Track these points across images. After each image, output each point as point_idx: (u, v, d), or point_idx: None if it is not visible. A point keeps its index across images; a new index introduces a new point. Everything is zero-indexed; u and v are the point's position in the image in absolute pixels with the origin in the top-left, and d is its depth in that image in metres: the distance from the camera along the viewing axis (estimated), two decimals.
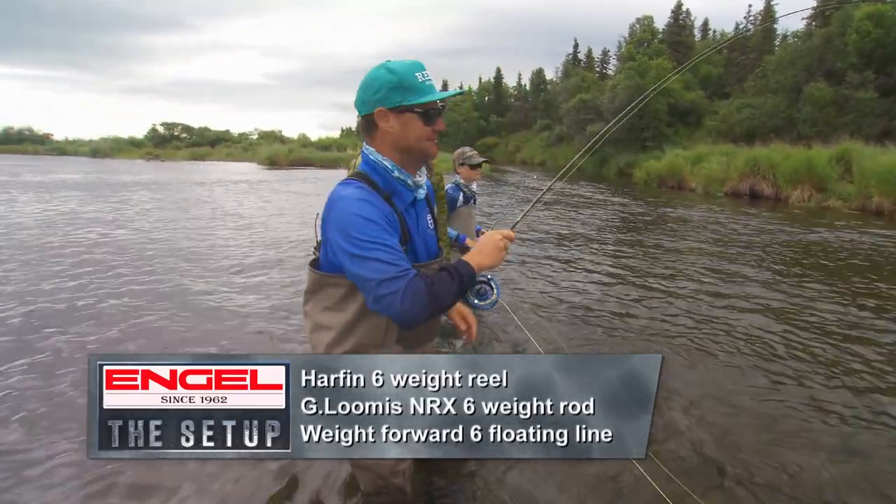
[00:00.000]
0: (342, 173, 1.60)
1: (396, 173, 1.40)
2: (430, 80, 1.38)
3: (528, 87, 69.40)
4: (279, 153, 38.56)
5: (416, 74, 1.35)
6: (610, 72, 51.56)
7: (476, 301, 1.46)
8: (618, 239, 8.59)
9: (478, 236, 3.79)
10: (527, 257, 6.77)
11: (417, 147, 1.39)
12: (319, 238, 1.46)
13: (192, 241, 7.51)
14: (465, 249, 3.78)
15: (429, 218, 1.55)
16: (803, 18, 33.29)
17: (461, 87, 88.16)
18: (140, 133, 71.27)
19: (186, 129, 68.18)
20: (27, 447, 2.34)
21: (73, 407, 2.67)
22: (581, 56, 59.37)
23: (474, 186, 3.95)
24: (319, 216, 1.51)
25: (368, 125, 1.40)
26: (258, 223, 9.61)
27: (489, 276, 1.46)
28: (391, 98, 1.33)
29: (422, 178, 1.49)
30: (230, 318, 4.16)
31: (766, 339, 3.92)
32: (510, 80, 77.56)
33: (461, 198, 3.82)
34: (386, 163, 1.39)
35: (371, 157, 1.41)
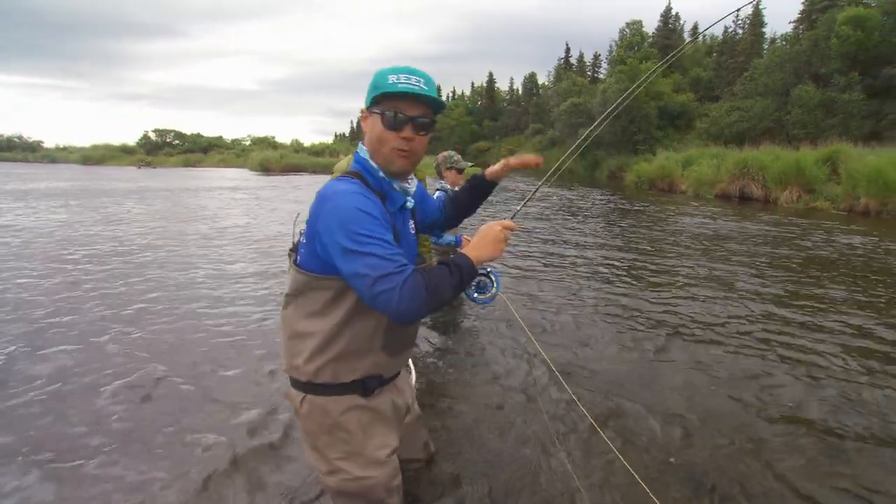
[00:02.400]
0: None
1: (382, 174, 1.37)
2: (404, 82, 1.28)
3: (520, 92, 69.80)
4: (271, 159, 38.52)
5: (390, 76, 1.29)
6: (601, 76, 51.92)
7: (476, 294, 1.44)
8: (609, 241, 8.60)
9: (458, 244, 3.77)
10: (522, 258, 6.76)
11: (381, 150, 1.33)
12: (301, 237, 1.39)
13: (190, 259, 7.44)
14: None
15: (412, 225, 1.52)
16: (790, 22, 33.76)
17: (454, 92, 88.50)
18: (132, 140, 71.01)
19: (179, 135, 67.87)
20: None
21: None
22: (573, 60, 59.80)
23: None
24: (300, 214, 1.48)
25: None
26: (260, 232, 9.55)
27: (489, 269, 1.44)
28: (368, 98, 1.35)
29: (411, 185, 1.44)
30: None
31: (755, 338, 3.94)
32: (503, 85, 78.41)
33: None
34: (373, 164, 1.37)
35: (361, 155, 1.39)
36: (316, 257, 1.30)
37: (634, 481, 1.95)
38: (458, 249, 3.73)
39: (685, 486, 2.19)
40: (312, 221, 1.28)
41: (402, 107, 1.29)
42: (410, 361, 2.59)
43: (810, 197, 14.24)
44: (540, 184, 1.83)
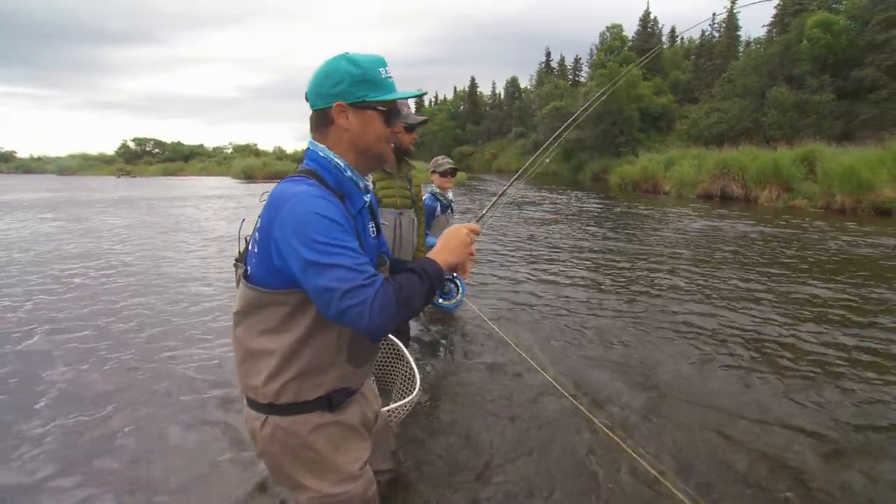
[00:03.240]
0: None
1: (349, 173, 1.26)
2: (391, 77, 1.25)
3: (502, 96, 70.25)
4: (254, 167, 38.10)
5: (380, 69, 1.22)
6: (582, 79, 52.57)
7: (441, 301, 1.39)
8: (593, 243, 8.70)
9: None
10: (504, 261, 6.81)
11: (375, 149, 1.27)
12: (250, 247, 1.24)
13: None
14: None
15: (371, 226, 1.39)
16: (764, 26, 34.69)
17: (436, 97, 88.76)
18: (110, 149, 69.54)
19: (158, 144, 66.82)
20: None
21: None
22: (554, 64, 60.50)
23: (450, 195, 3.97)
24: (245, 220, 1.37)
25: (322, 120, 1.24)
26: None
27: (454, 275, 1.38)
28: (353, 92, 1.20)
29: (368, 182, 1.36)
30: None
31: (743, 337, 4.03)
32: (485, 89, 78.58)
33: (438, 207, 3.83)
34: (339, 161, 1.25)
35: (321, 153, 1.25)
36: (271, 269, 1.17)
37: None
38: None
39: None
40: (266, 228, 1.15)
41: (397, 99, 1.26)
42: (416, 371, 2.59)
43: (789, 195, 14.60)
44: (506, 187, 1.79)
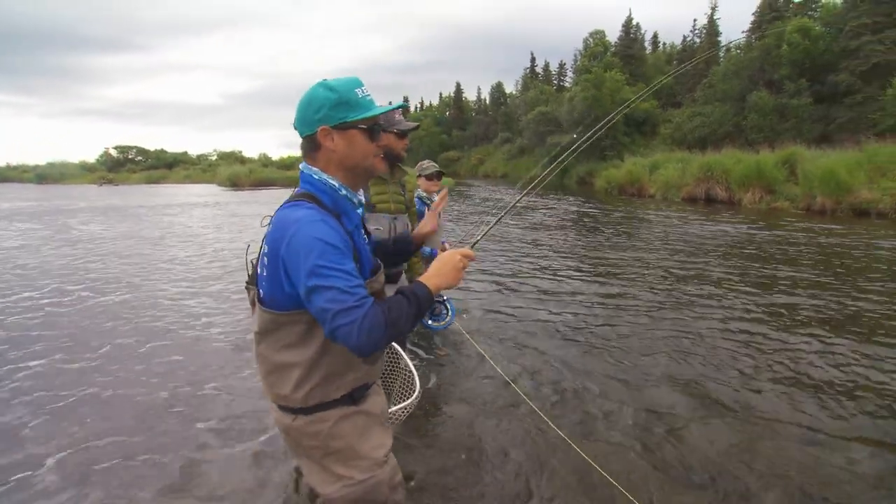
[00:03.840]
0: None
1: (344, 192, 1.35)
2: (369, 95, 1.34)
3: (488, 101, 70.66)
4: (240, 174, 37.79)
5: (356, 90, 1.31)
6: (567, 84, 53.12)
7: (430, 322, 1.43)
8: (581, 248, 8.78)
9: (434, 255, 3.79)
10: (494, 267, 6.84)
11: (363, 164, 1.35)
12: (259, 270, 1.33)
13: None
14: None
15: (364, 234, 1.49)
16: (743, 32, 35.46)
17: (422, 103, 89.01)
18: (91, 157, 68.36)
19: (142, 151, 65.86)
20: None
21: None
22: (538, 69, 61.01)
23: (436, 197, 3.97)
24: (251, 245, 1.44)
25: (311, 145, 1.33)
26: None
27: (444, 297, 1.44)
28: (333, 115, 1.28)
29: (361, 196, 1.44)
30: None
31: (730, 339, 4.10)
32: (470, 95, 78.86)
33: (426, 210, 3.83)
34: (333, 182, 1.33)
35: (315, 176, 1.33)
36: (282, 292, 1.26)
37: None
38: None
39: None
40: (273, 253, 1.24)
41: (374, 116, 1.34)
42: (416, 374, 2.59)
43: (771, 197, 14.90)
44: (504, 213, 1.88)
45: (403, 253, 1.77)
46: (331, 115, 1.28)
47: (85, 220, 14.48)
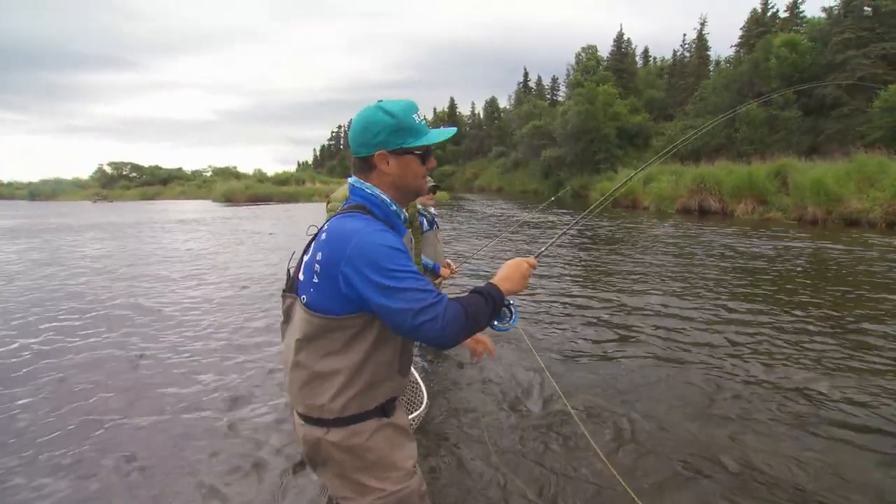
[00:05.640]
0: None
1: (394, 207, 1.41)
2: (423, 120, 1.39)
3: (481, 116, 71.36)
4: (235, 190, 37.75)
5: (413, 116, 1.35)
6: (560, 98, 53.82)
7: (496, 323, 1.50)
8: (581, 259, 8.86)
9: (436, 270, 3.79)
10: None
11: (413, 185, 1.41)
12: (303, 277, 1.35)
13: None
14: (437, 276, 3.79)
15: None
16: (732, 46, 36.21)
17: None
18: (85, 174, 68.08)
19: (136, 167, 65.66)
20: None
21: None
22: (532, 84, 61.84)
23: (432, 210, 4.04)
24: (295, 252, 1.47)
25: (365, 165, 1.37)
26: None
27: (510, 301, 1.51)
28: (392, 141, 1.32)
29: (405, 213, 1.52)
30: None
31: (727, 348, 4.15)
32: (464, 110, 79.71)
33: (425, 222, 3.88)
34: (385, 197, 1.38)
35: (368, 190, 1.38)
36: (337, 298, 1.27)
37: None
38: (433, 276, 3.72)
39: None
40: (332, 262, 1.25)
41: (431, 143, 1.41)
42: (423, 386, 2.63)
43: (764, 208, 15.09)
44: (569, 227, 1.94)
45: None
46: (390, 140, 1.32)
47: (93, 238, 14.41)
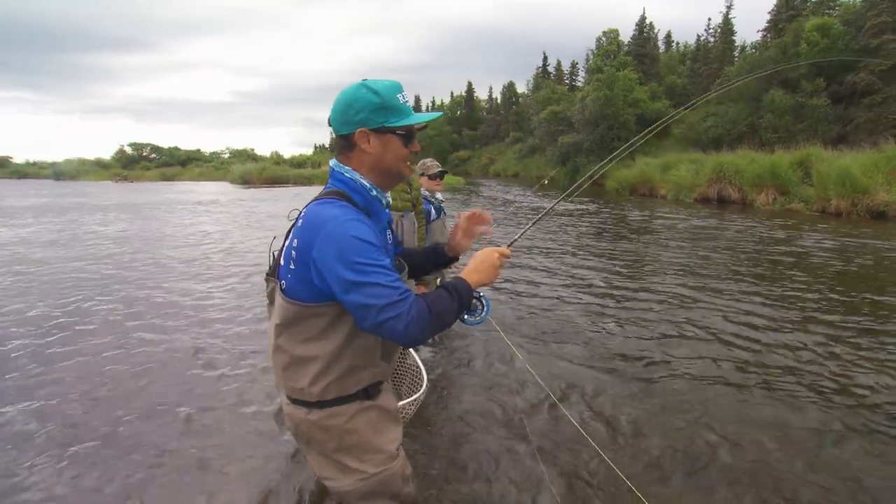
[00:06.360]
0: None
1: (374, 192, 1.37)
2: (408, 101, 1.36)
3: (499, 101, 70.45)
4: (253, 172, 38.09)
5: (398, 96, 1.33)
6: (579, 83, 52.78)
7: (466, 317, 1.46)
8: (596, 248, 8.78)
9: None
10: (511, 267, 6.87)
11: (395, 168, 1.37)
12: (283, 262, 1.33)
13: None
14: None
15: (389, 235, 1.51)
16: (759, 31, 35.03)
17: (433, 102, 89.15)
18: (106, 154, 69.27)
19: (156, 149, 66.57)
20: None
21: None
22: (550, 69, 60.71)
23: (439, 196, 4.01)
24: (276, 237, 1.45)
25: (346, 144, 1.34)
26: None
27: (480, 293, 1.47)
28: (374, 119, 1.30)
29: (388, 198, 1.47)
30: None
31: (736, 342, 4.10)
32: (482, 94, 78.79)
33: (432, 209, 3.87)
34: (365, 182, 1.35)
35: (348, 175, 1.35)
36: (310, 286, 1.26)
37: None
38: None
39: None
40: (304, 249, 1.24)
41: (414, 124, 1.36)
42: (423, 369, 2.65)
43: (785, 199, 14.71)
44: (542, 214, 1.84)
45: (437, 264, 1.74)
46: (371, 118, 1.30)
47: (122, 219, 14.70)
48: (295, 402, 1.40)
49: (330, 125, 1.36)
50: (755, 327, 4.39)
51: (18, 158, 75.14)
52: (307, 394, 1.35)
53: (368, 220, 1.29)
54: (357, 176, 1.35)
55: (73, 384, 3.38)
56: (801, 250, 8.00)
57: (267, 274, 1.44)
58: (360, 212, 1.29)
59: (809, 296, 5.35)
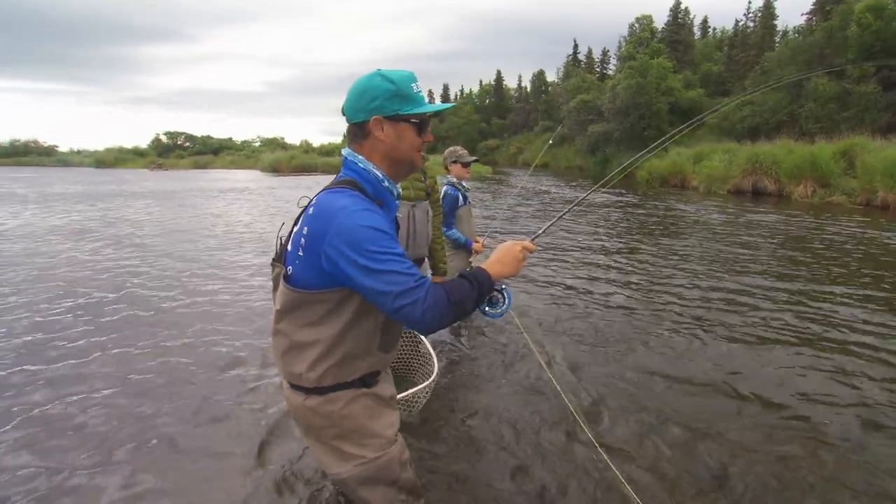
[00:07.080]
0: None
1: (386, 183, 1.38)
2: (421, 91, 1.38)
3: (528, 89, 69.42)
4: (282, 160, 38.79)
5: (412, 85, 1.34)
6: (610, 71, 51.51)
7: (487, 309, 1.44)
8: (623, 241, 8.61)
9: (469, 245, 3.85)
10: (535, 260, 6.80)
11: (408, 157, 1.38)
12: (290, 248, 1.35)
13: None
14: (469, 252, 3.85)
15: (395, 225, 1.51)
16: (803, 14, 33.25)
17: (461, 90, 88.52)
18: (143, 143, 71.69)
19: (189, 137, 68.53)
20: None
21: None
22: (581, 57, 59.38)
23: (465, 184, 3.99)
24: (284, 224, 1.47)
25: (360, 132, 1.36)
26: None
27: (503, 286, 1.45)
28: (388, 106, 1.31)
29: (399, 189, 1.48)
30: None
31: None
32: (511, 82, 77.85)
33: (461, 197, 3.84)
34: (377, 172, 1.36)
35: (360, 164, 1.36)
36: (318, 273, 1.27)
37: None
38: (467, 253, 3.81)
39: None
40: (315, 239, 1.25)
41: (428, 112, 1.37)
42: (434, 357, 2.65)
43: (825, 191, 14.08)
44: (569, 208, 1.85)
45: None
46: (385, 105, 1.31)
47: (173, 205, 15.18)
48: (293, 387, 1.42)
49: (344, 114, 1.38)
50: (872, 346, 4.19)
51: (63, 147, 78.55)
52: (304, 379, 1.37)
53: (380, 209, 1.30)
54: (370, 166, 1.36)
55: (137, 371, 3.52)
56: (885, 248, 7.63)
57: (273, 259, 1.45)
58: (371, 201, 1.30)
59: None
